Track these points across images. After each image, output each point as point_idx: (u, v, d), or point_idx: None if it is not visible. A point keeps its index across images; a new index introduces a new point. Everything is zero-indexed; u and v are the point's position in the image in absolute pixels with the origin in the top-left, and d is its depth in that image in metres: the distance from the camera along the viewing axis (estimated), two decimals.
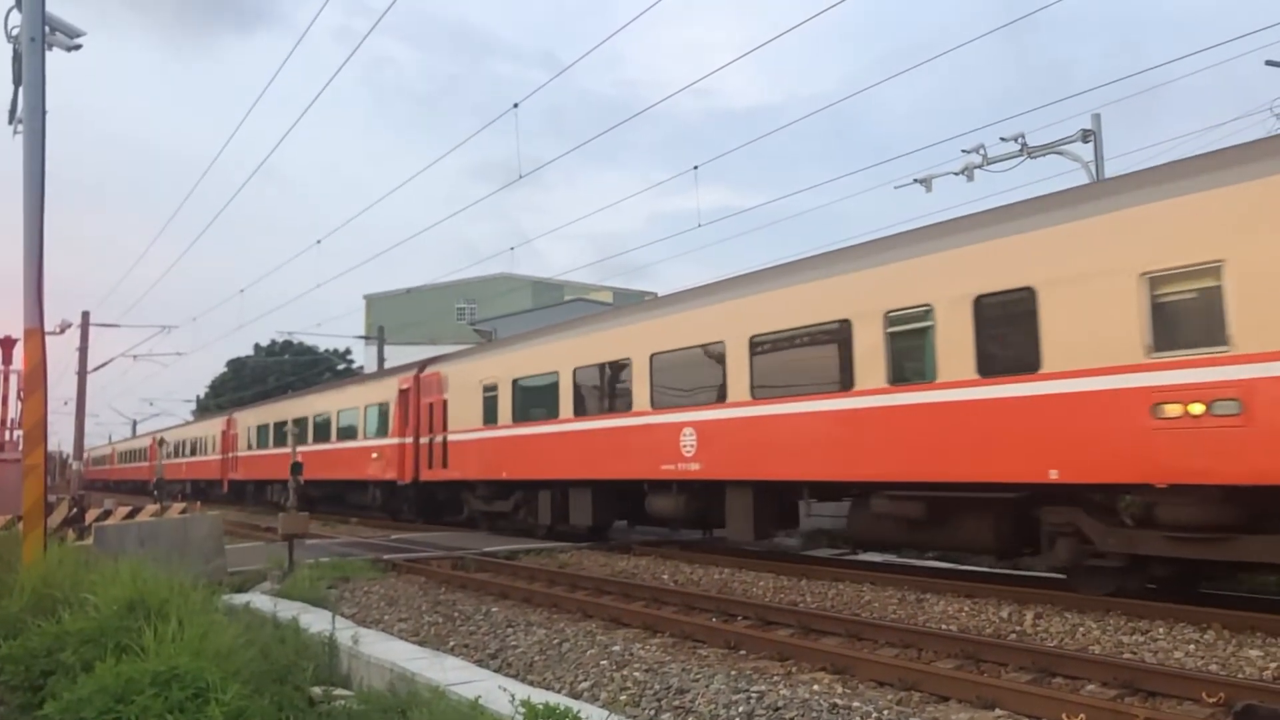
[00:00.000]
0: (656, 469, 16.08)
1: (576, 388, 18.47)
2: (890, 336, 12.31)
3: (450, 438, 23.10)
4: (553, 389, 19.14)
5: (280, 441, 34.32)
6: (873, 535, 13.40)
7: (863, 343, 12.62)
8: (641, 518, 18.32)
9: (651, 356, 16.58)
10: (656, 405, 16.28)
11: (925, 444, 11.70)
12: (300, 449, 31.00)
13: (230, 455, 43.10)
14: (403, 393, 26.00)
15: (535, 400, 19.85)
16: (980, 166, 22.31)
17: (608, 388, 17.75)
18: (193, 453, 51.00)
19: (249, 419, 41.13)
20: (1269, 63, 20.34)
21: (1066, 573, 11.17)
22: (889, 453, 12.14)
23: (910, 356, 12.14)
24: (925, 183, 23.33)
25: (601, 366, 17.91)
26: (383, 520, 28.04)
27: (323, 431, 32.03)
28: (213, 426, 47.70)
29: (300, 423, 32.89)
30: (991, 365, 11.12)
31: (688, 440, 15.51)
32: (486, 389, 21.59)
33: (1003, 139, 21.91)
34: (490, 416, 21.29)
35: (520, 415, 20.28)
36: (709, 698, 6.99)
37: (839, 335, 13.02)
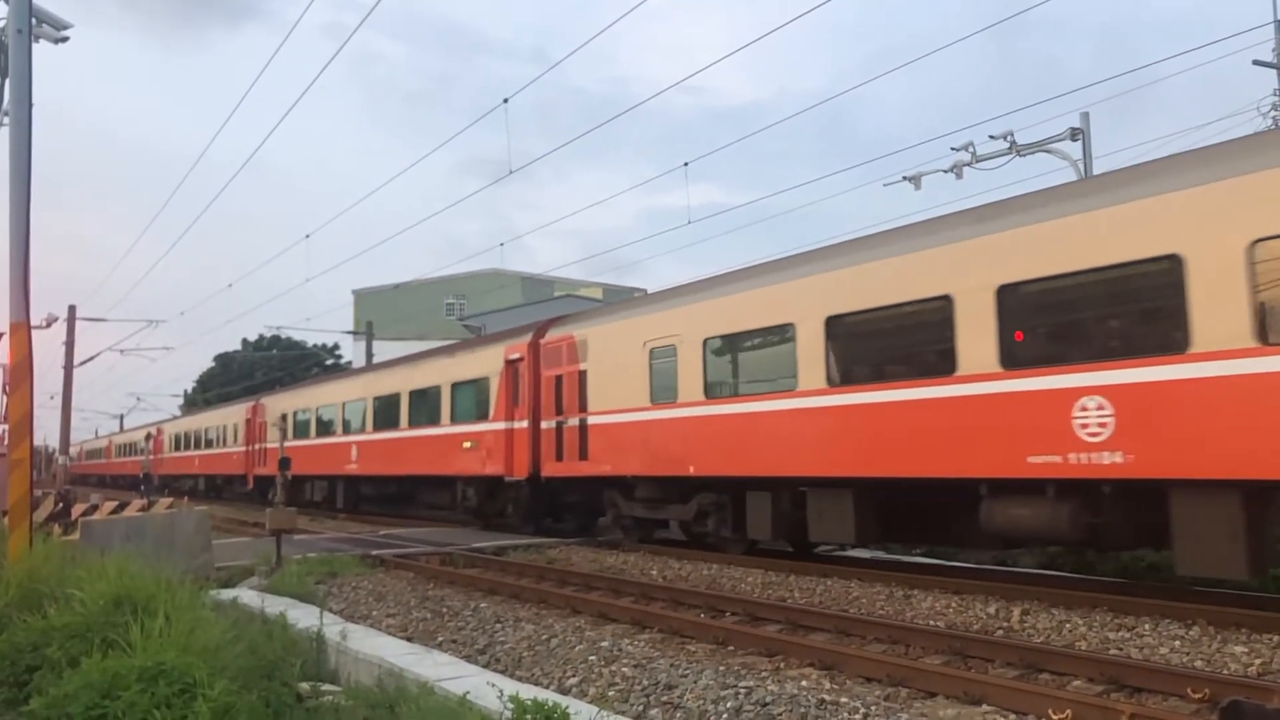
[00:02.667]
0: (1017, 462, 10.68)
1: (833, 344, 12.99)
2: None
3: (593, 421, 17.89)
4: (782, 349, 13.85)
5: (326, 430, 30.71)
6: None
7: None
8: (927, 532, 13.59)
9: (1002, 289, 10.95)
10: (1019, 364, 10.79)
11: None
12: (353, 438, 28.14)
13: (257, 447, 37.56)
14: (511, 364, 20.53)
15: (746, 366, 14.93)
16: (969, 164, 22.39)
17: (898, 343, 12.73)
18: (207, 445, 45.36)
19: (282, 404, 35.71)
20: (1256, 62, 20.47)
21: None
22: None
23: None
24: (914, 180, 23.40)
25: (882, 311, 12.46)
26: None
27: (386, 417, 26.61)
28: (233, 414, 41.58)
29: (354, 406, 28.84)
30: None
31: (1092, 416, 10.07)
32: (657, 354, 16.32)
33: (991, 137, 22.00)
34: (663, 391, 16.06)
35: (717, 388, 15.14)
36: (697, 693, 7.00)
37: None
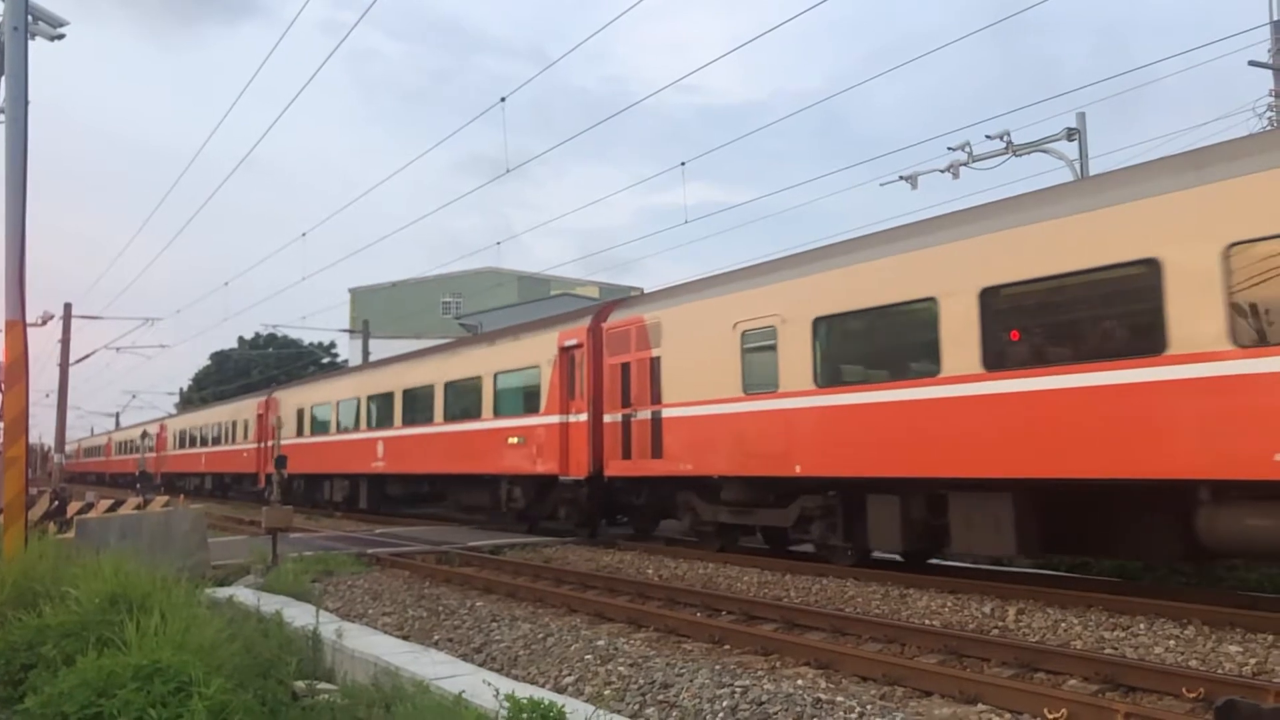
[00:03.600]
0: (1263, 461, 8.61)
1: (991, 320, 10.95)
2: None
3: (668, 414, 15.90)
4: (919, 329, 11.86)
5: (348, 426, 28.70)
6: None
7: None
8: (1104, 542, 11.18)
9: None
10: (1268, 341, 8.75)
11: None
12: (379, 433, 26.11)
13: (270, 444, 34.56)
14: (566, 352, 18.66)
15: (869, 349, 12.96)
16: (966, 164, 22.41)
17: (1085, 316, 10.49)
18: (215, 442, 43.05)
19: (298, 398, 33.44)
20: (1252, 63, 20.50)
21: None
22: None
23: None
24: (911, 180, 23.42)
25: (1061, 280, 10.40)
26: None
27: (418, 409, 24.55)
28: (244, 410, 39.18)
29: (380, 400, 26.70)
30: None
31: None
32: (751, 337, 14.28)
33: (988, 137, 22.04)
34: (759, 379, 14.04)
35: (832, 375, 13.10)
36: (693, 692, 7.01)
37: None
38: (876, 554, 13.73)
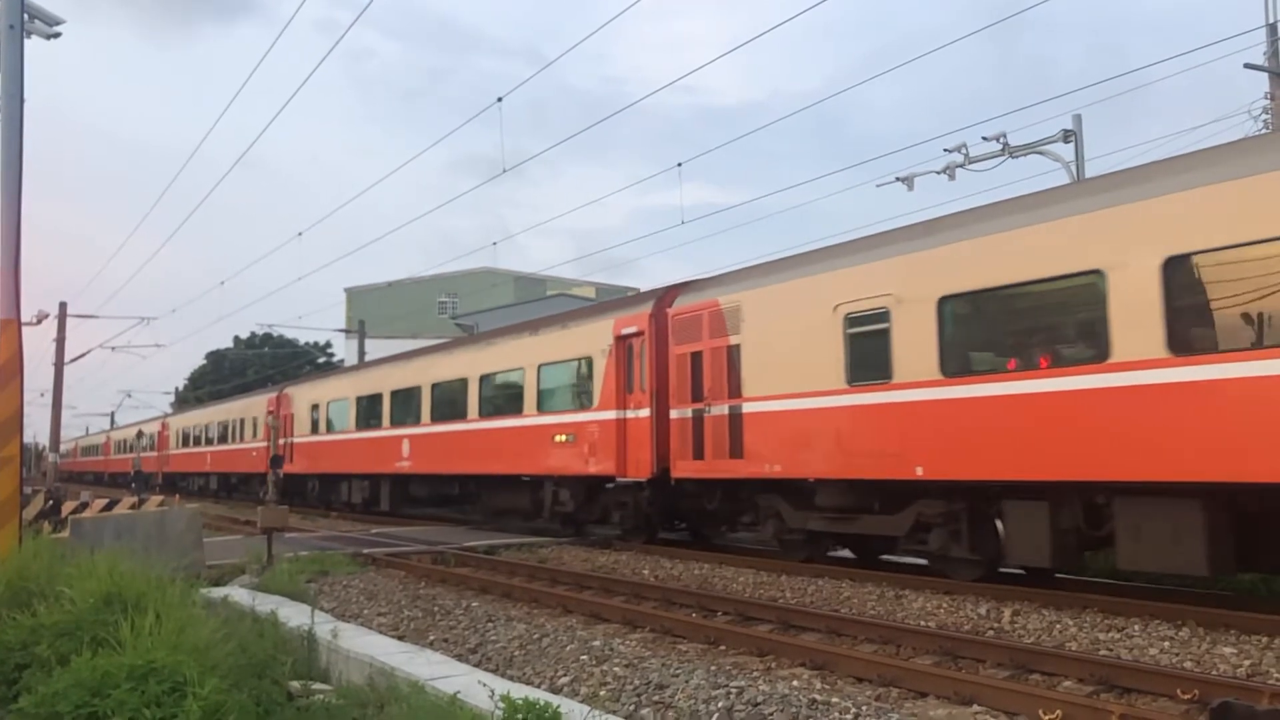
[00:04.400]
0: None
1: (1179, 295, 9.43)
2: None
3: (750, 408, 14.28)
4: (1079, 307, 10.54)
5: (368, 423, 27.14)
6: None
7: None
8: None
9: None
10: None
11: None
12: (405, 431, 24.50)
13: (282, 441, 34.17)
14: (624, 341, 17.20)
15: (1011, 332, 11.23)
16: (962, 166, 22.43)
17: None
18: (221, 440, 41.46)
19: (314, 394, 31.79)
20: (1248, 66, 20.53)
21: None
22: None
23: None
24: (907, 181, 23.43)
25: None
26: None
27: (449, 405, 22.85)
28: (253, 406, 37.65)
29: (406, 395, 25.03)
30: None
31: None
32: (857, 321, 12.63)
33: (984, 138, 22.04)
34: (868, 368, 12.42)
35: (963, 362, 11.46)
36: (689, 693, 7.01)
37: None
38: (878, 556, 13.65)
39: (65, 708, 5.78)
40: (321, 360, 67.63)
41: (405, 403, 25.11)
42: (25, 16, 12.60)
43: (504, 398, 20.85)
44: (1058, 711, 6.41)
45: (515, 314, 36.42)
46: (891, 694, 7.42)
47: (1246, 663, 7.84)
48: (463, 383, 22.26)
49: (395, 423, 25.63)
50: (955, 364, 11.51)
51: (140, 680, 5.88)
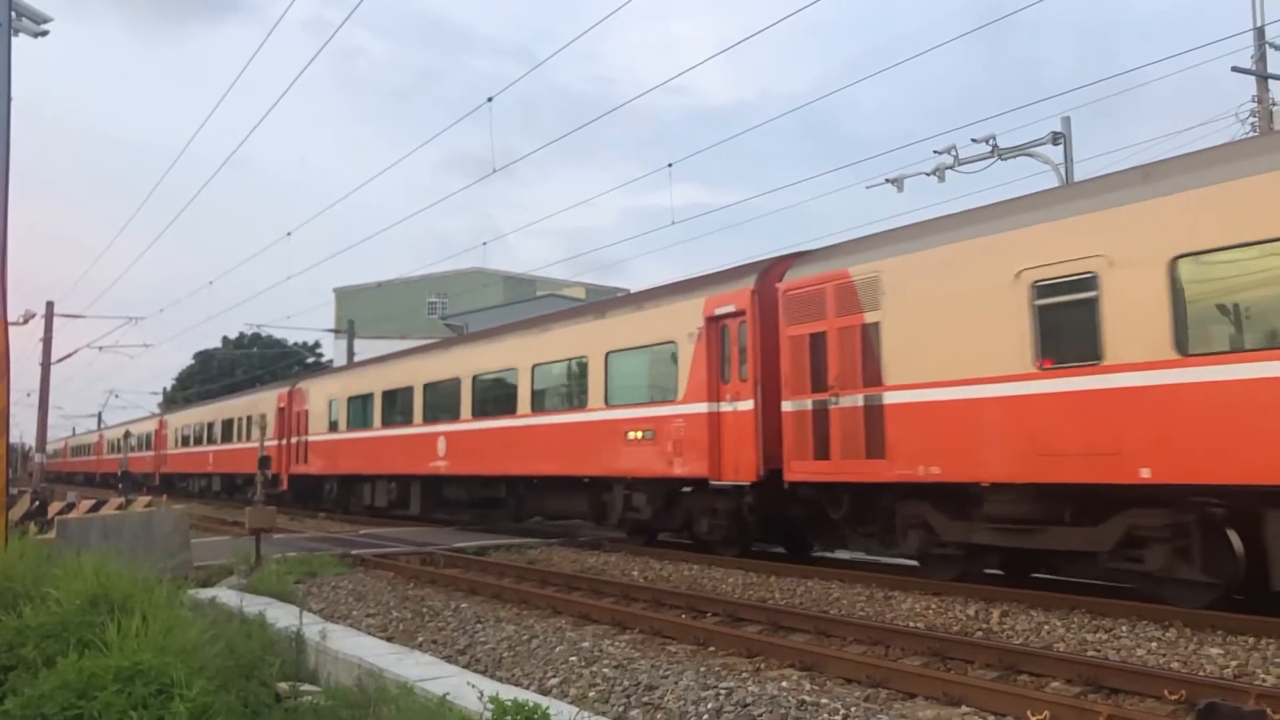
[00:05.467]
0: None
1: None
2: None
3: (894, 399, 12.05)
4: None
5: (395, 419, 25.14)
6: None
7: None
8: None
9: None
10: None
11: None
12: (441, 427, 22.55)
13: (294, 440, 31.74)
14: (717, 322, 15.08)
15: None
16: (951, 167, 22.49)
17: None
18: (225, 439, 39.39)
19: (333, 389, 29.50)
20: (1235, 69, 20.64)
21: None
22: None
23: None
24: (897, 183, 23.48)
25: None
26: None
27: (494, 400, 20.85)
28: (262, 403, 35.43)
29: (442, 389, 22.92)
30: None
31: None
32: (1048, 290, 10.59)
33: (974, 140, 22.11)
34: (1064, 347, 10.42)
35: (1204, 337, 9.47)
36: (678, 694, 7.01)
37: None
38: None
39: (51, 710, 5.75)
40: (310, 360, 67.44)
41: (441, 397, 23.02)
42: (13, 14, 12.52)
43: (562, 390, 18.79)
44: (1046, 712, 6.42)
45: (506, 314, 36.32)
46: (880, 695, 7.43)
47: (1233, 663, 7.88)
48: (510, 374, 20.21)
49: (429, 419, 23.59)
50: (1200, 339, 9.33)
51: (127, 682, 5.85)
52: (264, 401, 35.26)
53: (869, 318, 12.52)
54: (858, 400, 12.54)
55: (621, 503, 17.10)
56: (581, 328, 18.37)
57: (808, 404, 13.27)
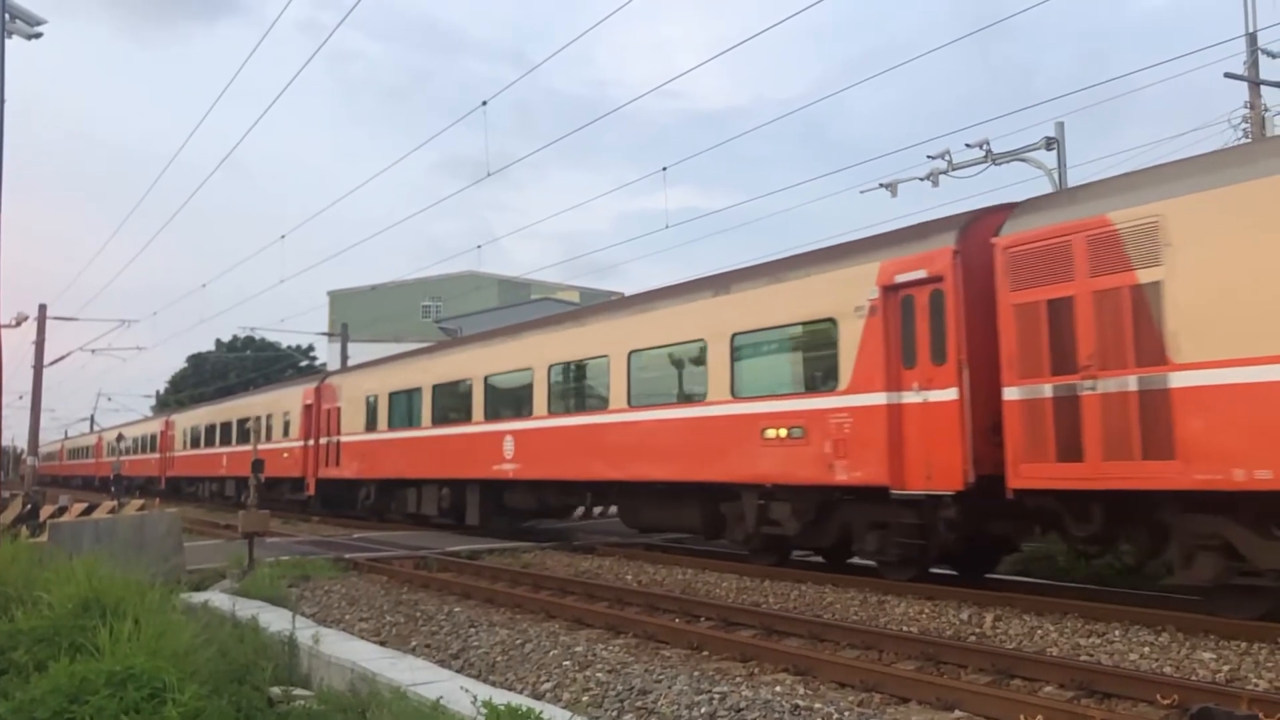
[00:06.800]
0: None
1: None
2: None
3: (1188, 380, 9.27)
4: None
5: (450, 417, 22.36)
6: None
7: None
8: None
9: None
10: None
11: None
12: (509, 425, 19.88)
13: (323, 441, 28.94)
14: (894, 293, 12.23)
15: None
16: (945, 172, 22.54)
17: None
18: (240, 440, 36.35)
19: (371, 383, 26.48)
20: (1228, 75, 20.74)
21: None
22: None
23: None
24: (891, 187, 23.54)
25: None
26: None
27: (577, 393, 18.48)
28: (286, 400, 32.55)
29: (509, 381, 20.41)
30: None
31: None
32: None
33: (968, 145, 22.15)
34: None
35: None
36: (671, 698, 7.00)
37: None
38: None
39: (43, 714, 5.75)
40: (304, 364, 67.33)
41: (508, 392, 20.47)
42: (6, 17, 12.53)
43: (671, 380, 16.12)
44: (1039, 717, 6.43)
45: (501, 318, 36.26)
46: (874, 699, 7.44)
47: (1225, 668, 7.89)
48: (600, 363, 17.48)
49: (492, 416, 20.78)
50: None
51: (119, 686, 5.85)
52: (288, 398, 32.33)
53: (1143, 276, 9.68)
54: (1128, 384, 9.73)
55: (756, 514, 14.21)
56: (696, 306, 15.55)
57: (1046, 390, 10.41)
